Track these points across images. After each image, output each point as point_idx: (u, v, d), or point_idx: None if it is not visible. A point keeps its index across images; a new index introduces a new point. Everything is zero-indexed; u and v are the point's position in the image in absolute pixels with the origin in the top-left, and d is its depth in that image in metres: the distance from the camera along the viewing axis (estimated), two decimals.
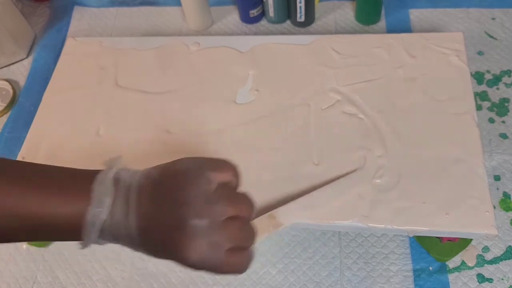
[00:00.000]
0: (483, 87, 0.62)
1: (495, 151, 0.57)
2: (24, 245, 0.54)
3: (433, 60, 0.54)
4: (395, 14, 0.71)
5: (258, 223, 0.43)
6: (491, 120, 0.60)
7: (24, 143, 0.54)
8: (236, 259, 0.33)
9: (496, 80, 0.63)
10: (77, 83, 0.58)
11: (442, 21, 0.69)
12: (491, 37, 0.67)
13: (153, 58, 0.59)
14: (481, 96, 0.62)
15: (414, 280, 0.50)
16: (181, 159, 0.35)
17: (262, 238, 0.43)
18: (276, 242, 0.54)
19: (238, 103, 0.54)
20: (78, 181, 0.33)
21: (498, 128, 0.59)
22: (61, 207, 0.32)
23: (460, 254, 0.51)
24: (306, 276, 0.52)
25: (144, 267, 0.54)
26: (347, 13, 0.72)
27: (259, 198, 0.47)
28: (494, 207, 0.51)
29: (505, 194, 0.55)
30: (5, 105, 0.68)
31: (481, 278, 0.50)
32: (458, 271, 0.51)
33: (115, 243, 0.33)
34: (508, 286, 0.49)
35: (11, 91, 0.69)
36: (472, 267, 0.51)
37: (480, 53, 0.65)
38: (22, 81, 0.71)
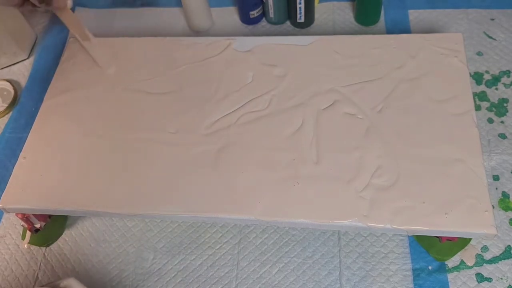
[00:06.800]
0: (482, 88, 0.63)
1: (494, 151, 0.58)
2: (25, 245, 0.54)
3: (432, 60, 0.55)
4: (395, 15, 0.71)
5: None
6: (490, 120, 0.60)
7: (26, 143, 0.54)
8: None
9: (495, 80, 0.63)
10: (78, 83, 0.58)
11: (441, 21, 0.69)
12: (490, 37, 0.67)
13: (153, 59, 0.59)
14: (480, 97, 0.62)
15: (414, 280, 0.51)
16: None
17: None
18: (276, 241, 0.54)
19: (238, 104, 0.54)
20: None
21: (497, 128, 0.59)
22: None
23: (459, 253, 0.51)
24: (305, 275, 0.52)
25: (146, 267, 0.54)
26: (346, 14, 0.72)
27: (259, 198, 0.47)
28: (493, 207, 0.51)
29: (504, 194, 0.55)
30: (6, 105, 0.68)
31: (480, 278, 0.50)
32: (457, 271, 0.51)
33: None
34: (507, 285, 0.50)
35: (12, 91, 0.69)
36: (471, 267, 0.51)
37: (479, 53, 0.66)
38: (23, 82, 0.72)
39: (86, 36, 0.57)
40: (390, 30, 0.69)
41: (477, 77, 0.64)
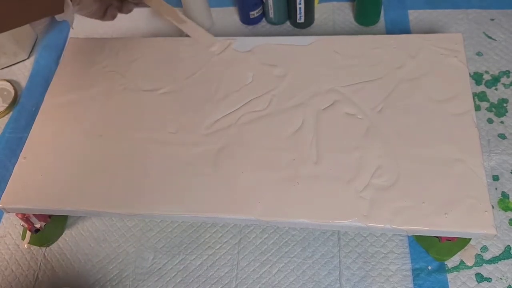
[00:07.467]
0: (481, 88, 0.63)
1: (494, 151, 0.58)
2: (25, 245, 0.54)
3: (432, 60, 0.55)
4: (394, 15, 0.71)
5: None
6: (490, 121, 0.60)
7: (26, 143, 0.54)
8: None
9: (494, 80, 0.63)
10: (79, 83, 0.58)
11: (441, 22, 0.70)
12: (490, 38, 0.67)
13: (153, 59, 0.59)
14: (479, 97, 0.62)
15: (413, 280, 0.51)
16: None
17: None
18: (276, 241, 0.55)
19: (238, 104, 0.54)
20: None
21: (496, 128, 0.59)
22: None
23: (458, 253, 0.51)
24: (305, 275, 0.52)
25: (146, 267, 0.54)
26: (346, 14, 0.72)
27: (259, 198, 0.47)
28: (493, 207, 0.52)
29: (504, 194, 0.55)
30: (6, 105, 0.68)
31: (480, 278, 0.50)
32: (457, 271, 0.51)
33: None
34: (507, 285, 0.50)
35: (12, 91, 0.70)
36: (471, 267, 0.51)
37: (479, 53, 0.66)
38: (23, 82, 0.72)
39: (181, 19, 0.55)
40: (390, 30, 0.69)
41: (477, 77, 0.64)
